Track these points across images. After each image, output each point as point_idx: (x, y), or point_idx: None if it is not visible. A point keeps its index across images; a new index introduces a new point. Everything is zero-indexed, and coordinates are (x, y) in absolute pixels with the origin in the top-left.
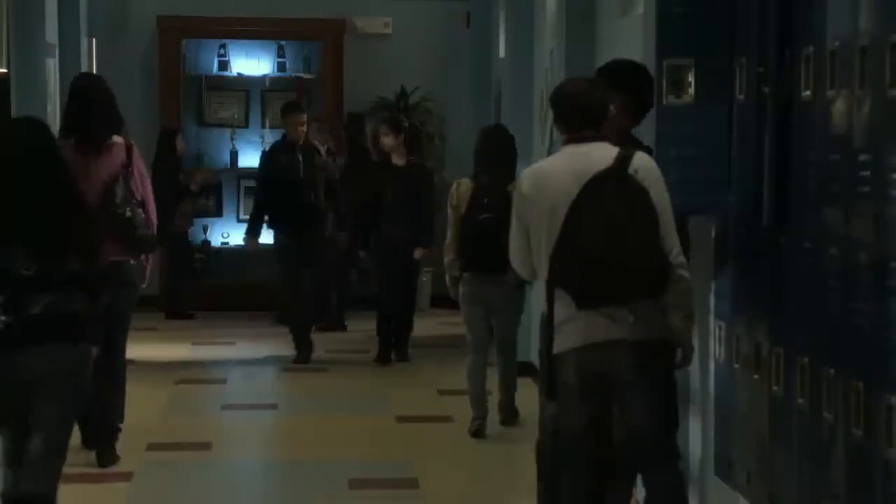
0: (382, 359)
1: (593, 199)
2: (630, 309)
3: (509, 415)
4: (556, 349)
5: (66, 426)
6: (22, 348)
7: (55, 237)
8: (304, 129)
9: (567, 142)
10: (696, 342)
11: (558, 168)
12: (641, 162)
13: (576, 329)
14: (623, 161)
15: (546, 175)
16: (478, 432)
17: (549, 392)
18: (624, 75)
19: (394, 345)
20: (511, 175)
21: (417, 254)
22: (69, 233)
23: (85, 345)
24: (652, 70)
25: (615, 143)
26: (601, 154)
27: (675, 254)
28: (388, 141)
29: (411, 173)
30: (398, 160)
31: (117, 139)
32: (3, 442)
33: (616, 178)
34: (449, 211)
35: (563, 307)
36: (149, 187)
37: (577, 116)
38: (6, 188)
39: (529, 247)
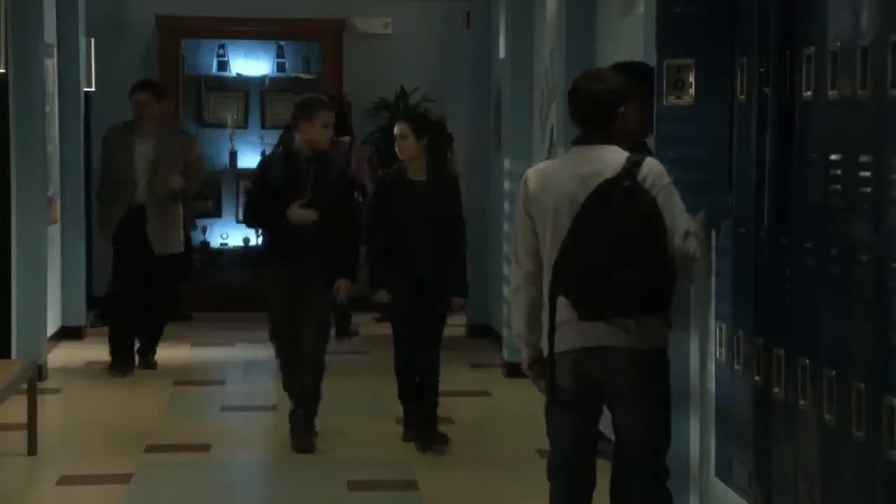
0: (414, 435)
1: (601, 208)
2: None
3: None
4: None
5: None
6: None
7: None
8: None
9: (574, 142)
10: (695, 343)
11: (562, 169)
12: (651, 169)
13: (571, 332)
14: (632, 168)
15: (550, 175)
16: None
17: (549, 397)
18: (647, 74)
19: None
20: None
21: (455, 305)
22: None
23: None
24: None
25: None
26: (609, 158)
27: (685, 236)
28: (407, 145)
29: (436, 191)
30: (417, 173)
31: None
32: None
33: (625, 188)
34: None
35: (561, 309)
36: None
37: (583, 115)
38: None
39: (538, 242)
